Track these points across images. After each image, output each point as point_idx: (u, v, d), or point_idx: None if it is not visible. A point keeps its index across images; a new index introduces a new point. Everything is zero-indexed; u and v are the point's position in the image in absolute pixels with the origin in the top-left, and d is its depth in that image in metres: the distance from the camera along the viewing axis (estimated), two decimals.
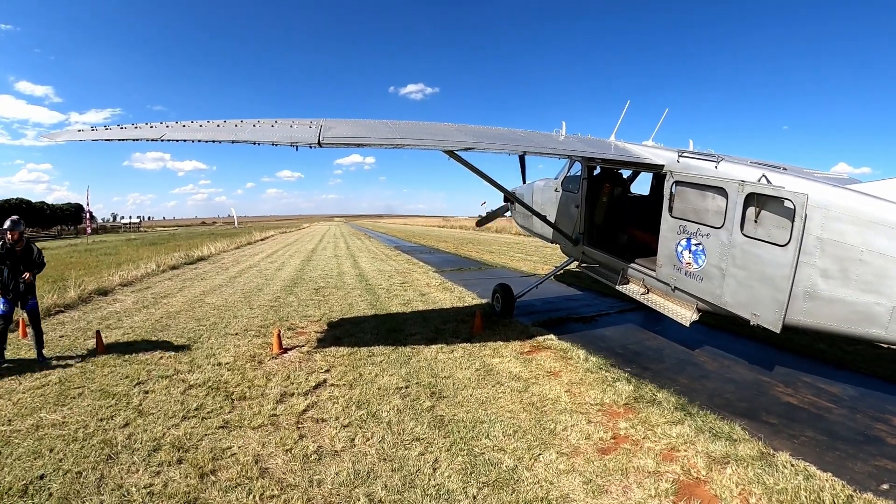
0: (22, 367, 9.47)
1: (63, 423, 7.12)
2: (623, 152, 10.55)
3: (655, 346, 11.33)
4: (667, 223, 9.47)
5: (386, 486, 5.57)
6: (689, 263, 9.02)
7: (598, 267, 12.32)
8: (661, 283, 9.88)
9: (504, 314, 13.50)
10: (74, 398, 8.03)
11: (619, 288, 11.25)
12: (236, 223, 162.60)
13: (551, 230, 13.79)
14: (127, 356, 10.14)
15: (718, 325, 12.33)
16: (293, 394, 8.25)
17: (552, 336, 11.39)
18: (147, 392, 8.30)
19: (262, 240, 58.37)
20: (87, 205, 60.15)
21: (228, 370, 9.35)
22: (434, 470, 5.92)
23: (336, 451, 6.36)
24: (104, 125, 8.54)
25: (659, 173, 10.28)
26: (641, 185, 14.24)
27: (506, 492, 5.49)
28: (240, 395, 8.19)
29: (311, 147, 8.11)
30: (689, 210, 9.04)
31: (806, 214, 7.16)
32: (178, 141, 7.98)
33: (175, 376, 9.03)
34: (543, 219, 13.28)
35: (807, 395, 8.52)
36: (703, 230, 8.71)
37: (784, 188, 7.46)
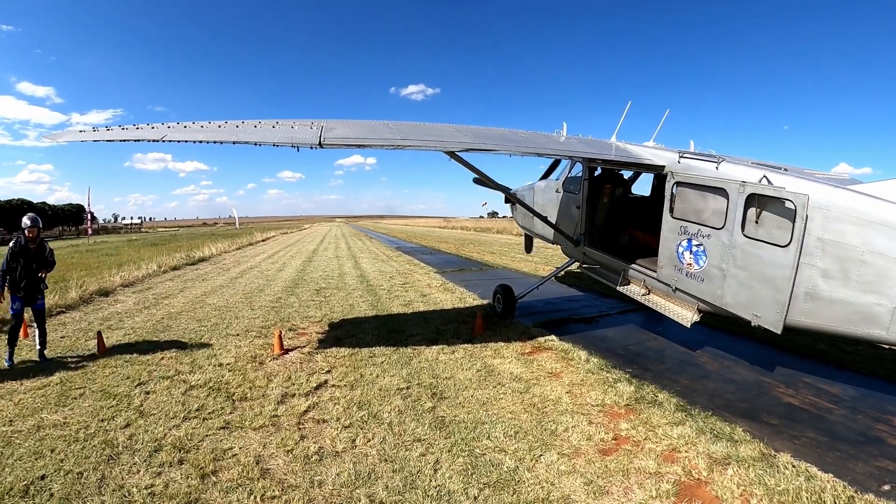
0: (23, 368, 9.49)
1: (64, 423, 7.13)
2: (624, 153, 10.55)
3: (656, 346, 11.32)
4: (668, 224, 9.47)
5: (387, 487, 5.58)
6: (690, 264, 9.02)
7: (598, 268, 12.31)
8: (662, 284, 9.87)
9: (505, 315, 13.50)
10: (76, 399, 8.04)
11: (619, 289, 11.24)
12: (237, 224, 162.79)
13: (552, 231, 13.78)
14: (128, 357, 10.15)
15: (719, 326, 12.33)
16: (294, 394, 8.25)
17: (553, 337, 11.39)
18: (148, 393, 8.31)
19: (263, 241, 58.42)
20: (89, 205, 60.18)
21: (229, 371, 9.36)
22: (435, 471, 5.92)
23: (337, 452, 6.36)
24: (105, 126, 8.56)
25: (660, 174, 10.28)
26: (642, 186, 14.25)
27: (507, 493, 5.49)
28: (241, 395, 8.19)
29: (312, 148, 8.12)
30: (689, 211, 9.04)
31: (807, 215, 7.15)
32: (179, 142, 8.00)
33: (176, 377, 9.04)
34: (544, 219, 13.27)
35: (808, 395, 8.52)
36: (703, 231, 8.70)
37: (785, 189, 7.46)
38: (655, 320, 12.86)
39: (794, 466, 5.96)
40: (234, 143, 8.03)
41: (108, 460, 6.12)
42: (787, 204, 7.37)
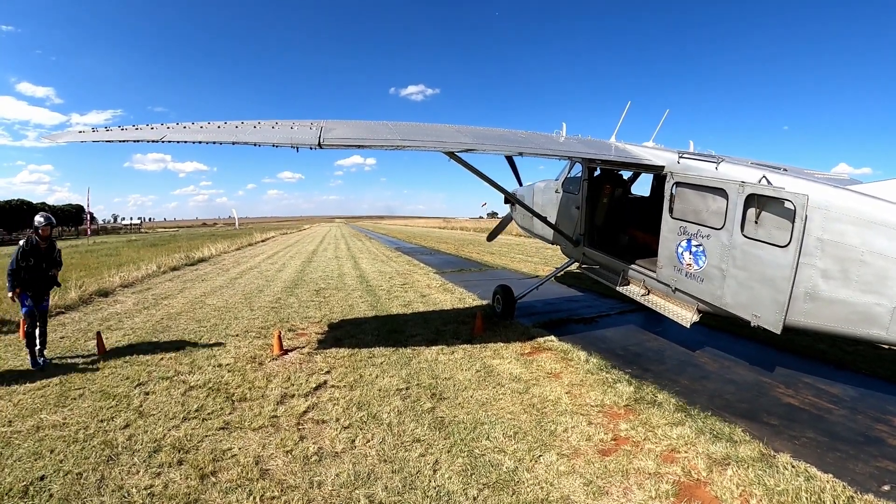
0: (23, 368, 9.49)
1: (64, 424, 7.13)
2: (623, 153, 10.56)
3: (656, 347, 11.32)
4: (667, 224, 9.48)
5: (386, 488, 5.57)
6: (690, 264, 9.02)
7: (598, 268, 12.32)
8: (662, 285, 9.88)
9: (505, 315, 13.50)
10: (75, 399, 8.04)
11: (619, 289, 11.24)
12: (237, 224, 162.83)
13: (552, 231, 13.78)
14: (127, 357, 10.15)
15: (719, 327, 12.34)
16: (294, 395, 8.25)
17: (553, 337, 11.39)
18: (148, 393, 8.30)
19: (262, 241, 58.41)
20: (88, 206, 60.28)
21: (229, 371, 9.35)
22: (434, 471, 5.92)
23: (336, 453, 6.36)
24: (105, 126, 8.56)
25: (659, 174, 10.28)
26: (642, 186, 14.26)
27: (506, 493, 5.49)
28: (240, 396, 8.19)
29: (311, 148, 8.12)
30: (689, 211, 9.05)
31: (806, 215, 7.16)
32: (178, 142, 8.00)
33: (176, 377, 9.04)
34: (544, 220, 13.27)
35: (807, 395, 8.52)
36: (703, 231, 8.71)
37: (784, 189, 7.47)
38: (655, 321, 12.87)
39: (793, 467, 5.96)
40: (233, 143, 8.03)
41: (108, 461, 6.12)
42: (787, 204, 7.38)
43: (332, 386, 8.69)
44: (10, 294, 9.47)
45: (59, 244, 9.67)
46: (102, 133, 8.07)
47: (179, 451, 6.34)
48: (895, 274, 6.56)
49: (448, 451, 6.37)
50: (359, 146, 8.44)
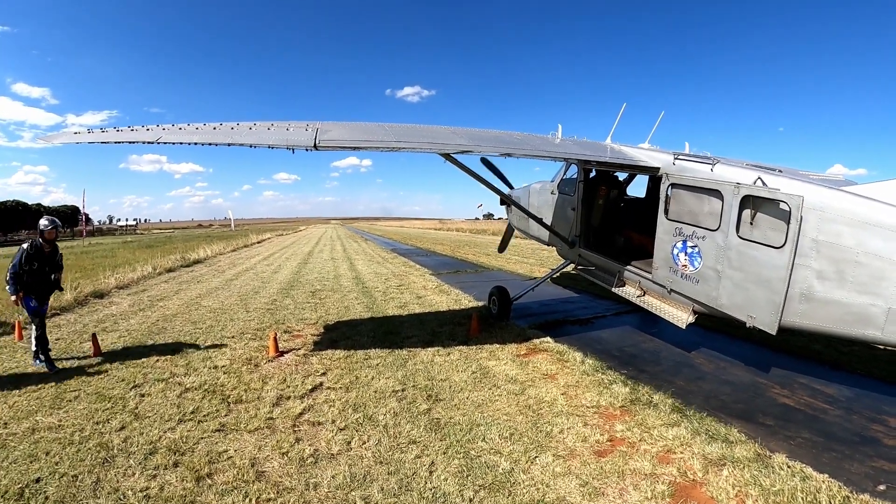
0: (18, 370, 9.46)
1: (59, 426, 7.11)
2: (619, 155, 10.57)
3: (652, 348, 11.34)
4: (662, 225, 9.49)
5: (382, 490, 5.57)
6: (685, 265, 9.04)
7: (594, 269, 12.32)
8: (657, 286, 9.89)
9: (501, 317, 13.50)
10: (70, 401, 8.02)
11: (615, 290, 11.25)
12: (233, 226, 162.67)
13: (547, 233, 13.77)
14: (123, 359, 10.14)
15: (714, 327, 12.34)
16: (289, 397, 8.24)
17: (549, 339, 11.40)
18: (143, 395, 8.29)
19: (258, 242, 58.43)
20: (84, 207, 60.31)
21: (224, 373, 9.34)
22: (430, 473, 5.92)
23: (332, 455, 6.35)
24: (101, 127, 8.55)
25: (655, 176, 10.29)
26: (638, 188, 14.28)
27: (502, 494, 5.49)
28: (236, 398, 8.18)
29: (307, 150, 8.12)
30: (684, 212, 9.06)
31: (801, 216, 7.18)
32: (174, 144, 7.99)
33: (171, 379, 9.02)
34: (540, 221, 13.29)
35: (803, 396, 8.54)
36: (698, 232, 8.73)
37: (779, 190, 7.49)
38: (651, 322, 12.89)
39: (789, 467, 5.98)
40: (229, 145, 8.01)
41: (103, 463, 6.11)
42: (782, 205, 7.40)
43: (328, 388, 8.69)
44: (13, 298, 9.38)
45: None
46: (98, 134, 8.06)
47: (175, 453, 6.33)
48: (891, 275, 6.59)
49: (444, 453, 6.37)
50: (354, 148, 8.45)
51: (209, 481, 5.74)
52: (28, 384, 8.75)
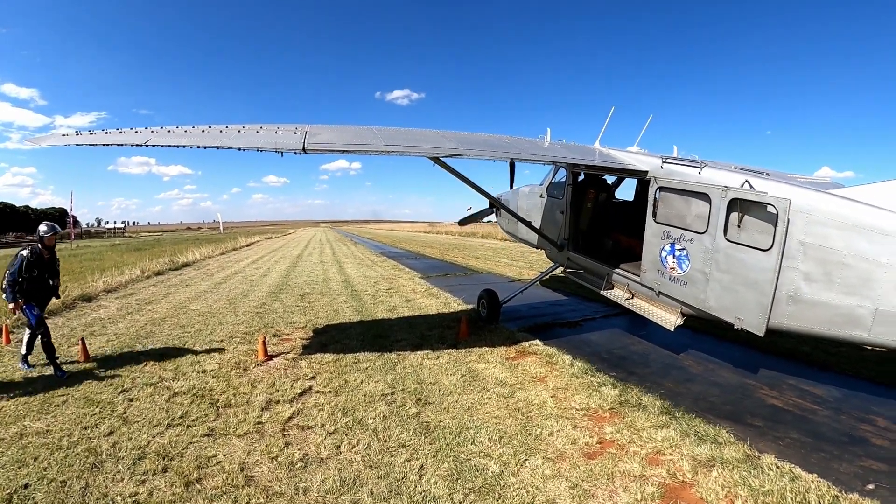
0: (6, 375, 9.39)
1: (47, 431, 7.07)
2: (607, 158, 10.60)
3: (640, 350, 11.38)
4: (651, 229, 9.53)
5: (372, 494, 5.57)
6: (674, 268, 9.08)
7: (583, 272, 12.36)
8: (646, 288, 9.92)
9: (490, 320, 13.52)
10: (58, 406, 7.97)
11: (603, 293, 11.29)
12: (222, 228, 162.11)
13: (536, 236, 13.80)
14: (111, 363, 10.10)
15: (703, 329, 12.40)
16: (278, 401, 8.22)
17: (538, 341, 11.42)
18: (131, 400, 8.24)
19: (247, 245, 58.27)
20: (72, 209, 59.88)
21: (213, 377, 9.31)
22: (420, 476, 5.93)
23: (322, 459, 6.35)
24: (89, 129, 8.51)
25: (643, 179, 10.32)
26: (626, 191, 14.33)
27: (492, 498, 5.50)
28: (225, 402, 8.15)
29: (296, 153, 8.09)
30: (672, 215, 9.10)
31: (788, 219, 7.24)
32: (163, 146, 7.96)
33: (160, 384, 8.98)
34: (528, 224, 13.33)
35: (791, 397, 8.60)
36: (686, 235, 8.77)
37: (767, 193, 7.54)
38: (640, 324, 12.94)
39: (778, 467, 6.03)
40: (217, 147, 7.98)
41: (92, 468, 6.08)
42: (769, 208, 7.45)
43: (317, 391, 8.67)
44: (10, 306, 9.26)
45: None
46: (86, 136, 8.02)
47: (164, 458, 6.31)
48: (878, 276, 6.64)
49: (434, 456, 6.37)
50: (343, 151, 8.43)
51: (198, 486, 5.72)
52: (16, 389, 8.69)
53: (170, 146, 7.98)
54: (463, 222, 19.85)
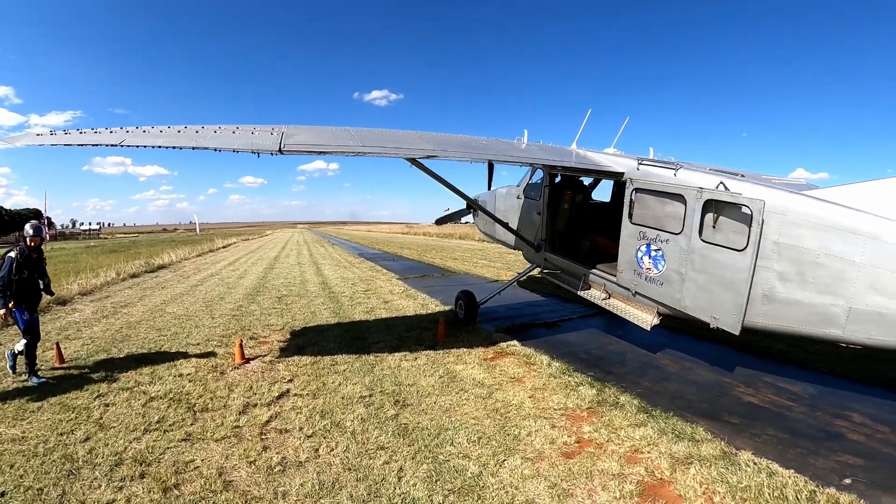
0: None
1: (23, 437, 6.97)
2: (583, 160, 10.65)
3: (618, 350, 11.45)
4: (627, 229, 9.60)
5: (351, 497, 5.56)
6: (650, 269, 9.14)
7: (560, 273, 12.42)
8: (622, 289, 9.99)
9: (467, 321, 13.54)
10: (34, 412, 7.86)
11: (581, 293, 11.34)
12: (198, 230, 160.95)
13: (514, 237, 13.85)
14: (86, 368, 9.99)
15: (679, 329, 12.50)
16: (256, 404, 8.18)
17: (515, 342, 11.46)
18: (107, 405, 8.15)
19: (224, 247, 57.85)
20: (46, 210, 59.13)
21: (190, 381, 9.23)
22: (399, 478, 5.92)
23: (300, 462, 6.32)
24: (64, 129, 8.43)
25: (619, 181, 10.39)
26: (603, 192, 14.40)
27: (471, 498, 5.52)
28: (202, 406, 8.09)
29: (272, 154, 8.06)
30: (648, 216, 9.17)
31: (763, 220, 7.32)
32: (138, 147, 7.89)
33: (136, 388, 8.89)
34: (506, 226, 13.36)
35: (768, 394, 8.70)
36: (662, 236, 8.84)
37: (741, 194, 7.63)
38: (617, 324, 13.02)
39: (755, 463, 6.12)
40: (193, 148, 7.92)
41: (69, 475, 6.01)
42: (744, 209, 7.53)
43: (295, 394, 8.64)
44: (1, 312, 8.97)
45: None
46: (61, 136, 7.93)
47: (141, 464, 6.25)
48: (851, 276, 6.73)
49: (412, 458, 6.38)
50: (320, 152, 8.41)
51: (176, 492, 5.67)
52: None
53: (145, 146, 7.92)
54: (439, 222, 19.88)
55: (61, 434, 7.09)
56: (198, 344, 11.95)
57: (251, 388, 8.90)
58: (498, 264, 29.10)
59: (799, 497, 5.42)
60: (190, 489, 5.72)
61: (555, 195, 12.72)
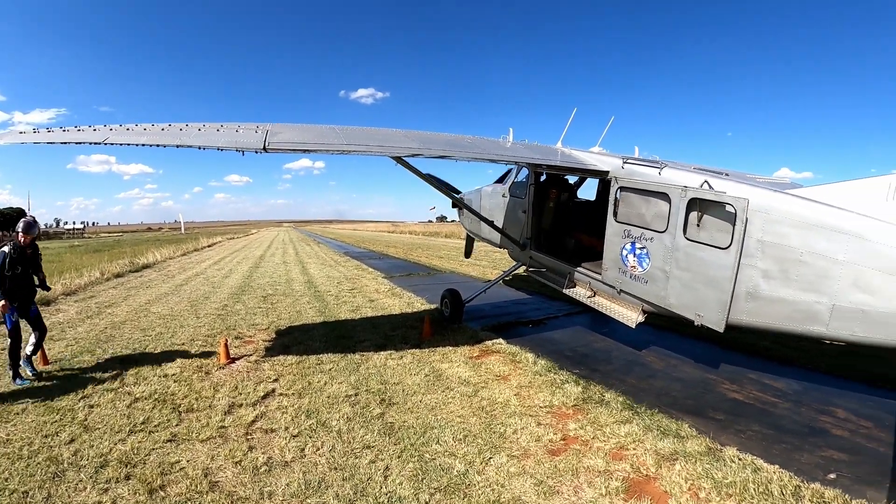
0: None
1: (7, 440, 6.91)
2: (569, 159, 10.67)
3: (603, 347, 11.50)
4: (612, 228, 9.63)
5: (337, 496, 5.56)
6: (634, 267, 9.18)
7: (545, 271, 12.45)
8: (607, 287, 10.02)
9: (453, 319, 13.55)
10: (18, 414, 7.79)
11: (566, 291, 11.37)
12: (183, 229, 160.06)
13: (499, 235, 13.87)
14: (71, 369, 9.93)
15: (664, 326, 12.54)
16: (241, 404, 8.15)
17: (501, 340, 11.50)
18: (92, 406, 8.10)
19: (209, 246, 57.52)
20: (29, 209, 58.66)
21: (175, 382, 9.18)
22: (385, 477, 5.93)
23: (286, 462, 6.31)
24: (47, 127, 8.36)
25: (604, 179, 10.42)
26: (588, 191, 14.44)
27: (458, 497, 5.53)
28: (187, 407, 8.05)
29: (257, 152, 8.03)
30: (633, 215, 9.21)
31: (747, 218, 7.36)
32: (122, 145, 7.84)
33: (120, 389, 8.84)
34: (491, 224, 13.37)
35: (752, 390, 8.77)
36: (647, 234, 8.88)
37: (725, 193, 7.67)
38: (602, 322, 13.04)
39: (740, 459, 6.17)
40: (177, 146, 7.87)
41: (54, 478, 5.96)
42: (728, 208, 7.58)
43: (281, 394, 8.62)
44: (1, 303, 8.90)
45: None
46: (44, 134, 7.86)
47: (127, 466, 6.22)
48: (834, 273, 6.79)
49: (398, 457, 6.38)
50: (304, 150, 8.37)
51: (162, 493, 5.65)
52: None
53: (129, 144, 7.87)
54: (468, 254, 20.71)
55: (46, 436, 7.03)
56: (182, 344, 11.89)
57: (236, 387, 8.87)
58: (483, 263, 29.13)
59: (784, 492, 5.47)
60: (175, 490, 5.70)
61: (540, 193, 12.75)
